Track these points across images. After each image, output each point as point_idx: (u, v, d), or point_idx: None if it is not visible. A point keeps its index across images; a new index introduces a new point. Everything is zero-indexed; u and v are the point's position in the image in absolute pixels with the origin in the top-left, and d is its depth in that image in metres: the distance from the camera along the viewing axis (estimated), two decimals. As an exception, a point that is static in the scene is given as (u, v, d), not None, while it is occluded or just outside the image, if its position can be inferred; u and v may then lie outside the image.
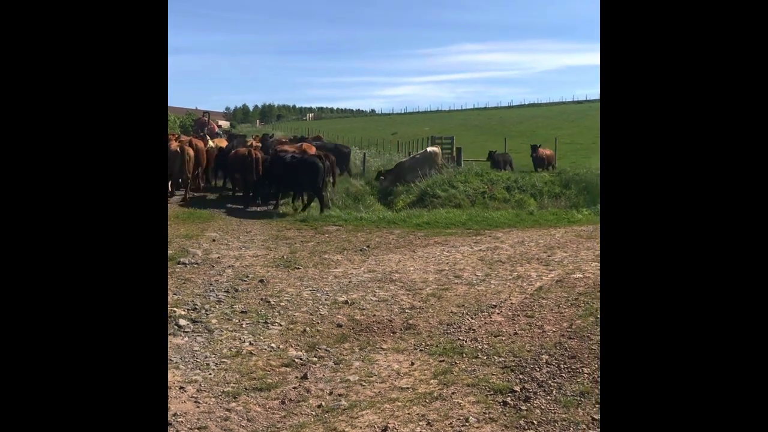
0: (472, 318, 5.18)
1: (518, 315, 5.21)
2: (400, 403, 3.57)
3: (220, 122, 40.64)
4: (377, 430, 3.24)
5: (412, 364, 4.24)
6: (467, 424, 3.28)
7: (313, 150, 13.76)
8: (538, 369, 3.97)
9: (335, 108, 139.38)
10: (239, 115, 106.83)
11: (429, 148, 16.72)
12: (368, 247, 8.42)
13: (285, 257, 7.64)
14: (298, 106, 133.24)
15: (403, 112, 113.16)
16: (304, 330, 4.93)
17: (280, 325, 5.03)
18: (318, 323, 5.12)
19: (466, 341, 4.63)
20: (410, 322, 5.14)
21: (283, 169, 11.78)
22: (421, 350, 4.51)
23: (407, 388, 3.82)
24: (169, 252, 7.55)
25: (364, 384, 3.92)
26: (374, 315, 5.35)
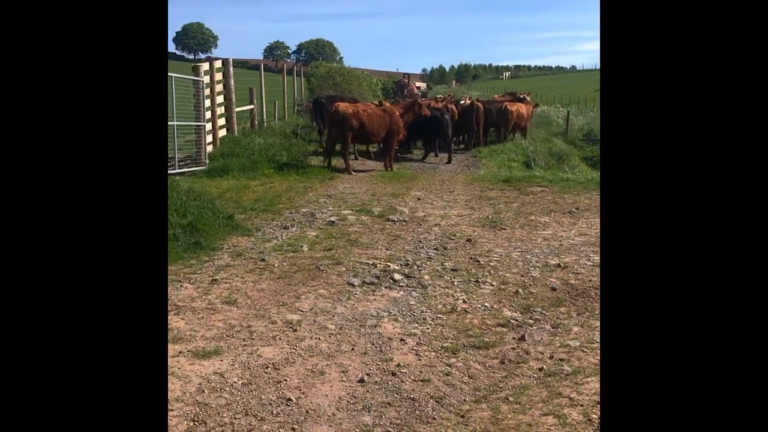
0: (704, 289, 4.70)
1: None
2: (628, 374, 3.34)
3: (418, 84, 41.28)
4: (606, 400, 3.06)
5: (638, 334, 3.95)
6: (709, 404, 2.98)
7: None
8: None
9: (533, 65, 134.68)
10: (435, 76, 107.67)
11: None
12: (577, 209, 8.04)
13: (490, 217, 7.56)
14: (494, 64, 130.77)
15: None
16: (517, 291, 4.83)
17: (492, 285, 4.98)
18: (530, 285, 4.99)
19: (699, 314, 4.22)
20: (631, 289, 4.80)
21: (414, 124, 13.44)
22: (646, 320, 4.19)
23: (635, 359, 3.57)
24: (378, 209, 7.86)
25: (585, 350, 3.74)
26: (590, 280, 5.09)
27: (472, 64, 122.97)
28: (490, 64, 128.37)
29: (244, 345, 3.76)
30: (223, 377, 3.35)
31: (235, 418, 2.97)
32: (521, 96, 18.10)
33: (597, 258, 5.67)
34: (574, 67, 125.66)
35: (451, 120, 14.09)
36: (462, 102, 16.00)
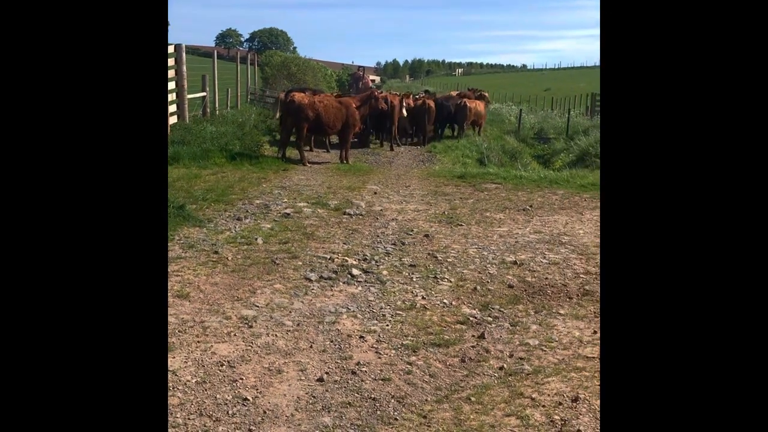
0: (656, 288, 4.79)
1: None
2: (587, 373, 3.36)
3: (372, 77, 41.07)
4: (567, 399, 3.06)
5: (595, 332, 3.99)
6: (666, 403, 3.01)
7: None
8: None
9: (485, 63, 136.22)
10: (389, 70, 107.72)
11: None
12: (531, 207, 8.11)
13: (446, 213, 7.55)
14: (447, 60, 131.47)
15: (556, 67, 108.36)
16: (475, 288, 4.82)
17: (450, 282, 4.96)
18: (488, 282, 4.98)
19: (652, 313, 4.28)
20: (587, 288, 4.86)
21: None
22: (602, 319, 4.23)
23: (593, 357, 3.60)
24: (335, 202, 7.75)
25: (545, 349, 3.75)
26: (546, 278, 5.12)
27: (426, 60, 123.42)
28: (443, 60, 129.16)
29: (198, 341, 3.62)
30: (176, 375, 3.21)
31: (189, 418, 2.84)
32: (481, 93, 18.19)
33: (552, 255, 5.72)
34: (524, 66, 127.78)
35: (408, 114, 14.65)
36: (417, 98, 16.00)
